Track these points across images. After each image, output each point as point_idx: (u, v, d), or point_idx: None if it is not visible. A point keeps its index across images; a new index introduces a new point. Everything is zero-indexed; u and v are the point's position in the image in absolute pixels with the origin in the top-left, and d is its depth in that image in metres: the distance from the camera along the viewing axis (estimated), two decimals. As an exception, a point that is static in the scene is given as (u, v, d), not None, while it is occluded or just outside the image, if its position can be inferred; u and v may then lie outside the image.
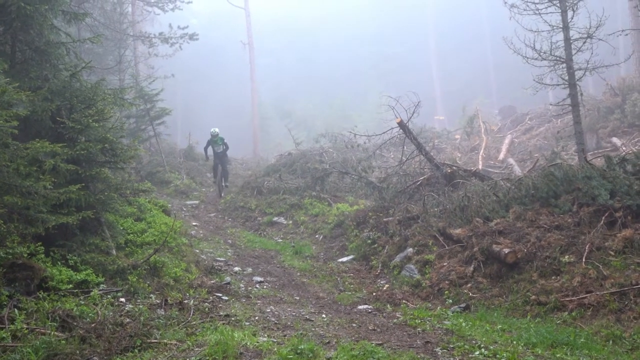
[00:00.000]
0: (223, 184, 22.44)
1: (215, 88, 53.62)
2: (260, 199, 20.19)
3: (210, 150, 22.57)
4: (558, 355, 7.12)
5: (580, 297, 9.21)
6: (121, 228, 10.74)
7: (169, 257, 10.62)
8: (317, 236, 16.63)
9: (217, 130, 22.41)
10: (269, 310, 9.18)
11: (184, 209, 19.65)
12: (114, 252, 9.80)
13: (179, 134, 43.54)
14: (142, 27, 32.64)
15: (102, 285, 8.69)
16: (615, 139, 23.98)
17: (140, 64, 31.21)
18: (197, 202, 21.46)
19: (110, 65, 25.48)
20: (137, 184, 13.34)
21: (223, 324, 7.93)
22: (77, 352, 6.38)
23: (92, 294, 8.15)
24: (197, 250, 13.23)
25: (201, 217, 19.19)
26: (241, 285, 11.07)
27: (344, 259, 14.09)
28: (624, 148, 21.46)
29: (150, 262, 9.71)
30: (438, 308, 10.00)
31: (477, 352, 7.04)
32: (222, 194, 22.34)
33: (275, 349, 6.81)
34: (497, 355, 6.91)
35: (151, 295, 8.92)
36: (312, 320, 8.70)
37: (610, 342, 7.90)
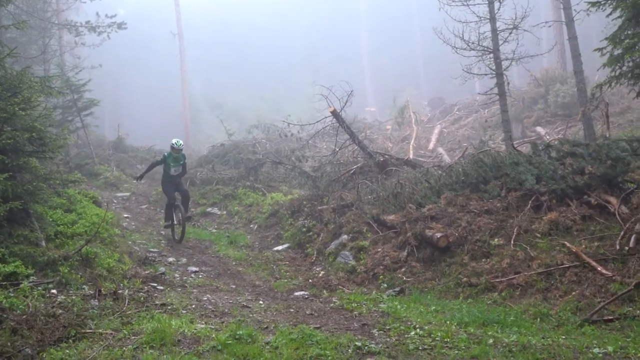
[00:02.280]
0: (184, 215, 13.98)
1: (145, 79, 52.56)
2: (193, 190, 19.96)
3: (158, 169, 15.33)
4: (489, 333, 7.34)
5: (509, 278, 9.53)
6: (50, 219, 10.43)
7: (102, 248, 10.39)
8: (251, 226, 16.61)
9: (181, 142, 14.37)
10: (205, 298, 9.12)
11: (115, 201, 19.24)
12: (43, 243, 9.51)
13: (107, 125, 42.54)
14: (67, 15, 31.61)
15: (32, 277, 8.42)
16: (539, 128, 24.82)
17: (66, 54, 30.26)
18: (128, 194, 21.04)
19: (35, 55, 24.61)
20: (66, 175, 12.99)
21: (159, 312, 7.84)
22: (8, 343, 6.20)
23: (21, 286, 7.89)
24: (130, 242, 13.00)
25: (132, 209, 18.84)
26: (176, 275, 10.95)
27: (280, 248, 14.13)
28: (547, 137, 22.22)
29: (82, 253, 9.48)
30: (373, 292, 10.17)
31: (413, 333, 7.20)
32: (181, 234, 14.08)
33: (214, 335, 6.79)
34: (432, 335, 7.08)
35: (84, 286, 8.72)
36: (250, 307, 8.70)
37: (538, 319, 8.22)
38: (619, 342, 6.84)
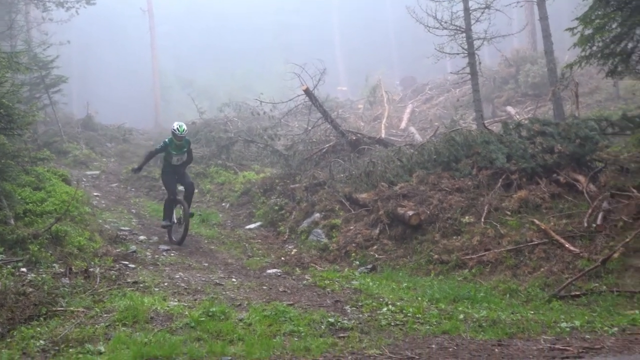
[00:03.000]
0: (187, 211, 11.97)
1: (114, 56, 51.63)
2: (163, 169, 19.79)
3: (159, 159, 14.54)
4: (460, 308, 7.46)
5: (480, 255, 9.68)
6: (19, 197, 10.27)
7: (72, 226, 10.28)
8: (223, 204, 16.56)
9: (184, 126, 12.21)
10: (178, 276, 9.10)
11: (85, 180, 18.99)
12: (12, 221, 9.39)
13: (75, 103, 41.78)
14: (34, -10, 30.88)
15: (1, 255, 8.33)
16: (509, 108, 25.03)
17: (33, 30, 29.54)
18: (97, 172, 20.78)
19: (1, 30, 24.04)
20: (34, 153, 12.80)
21: (132, 290, 7.81)
22: (-22, 322, 6.14)
23: (-10, 264, 7.81)
24: (101, 220, 12.87)
25: (103, 187, 18.63)
26: (148, 253, 10.89)
27: (252, 226, 14.12)
28: (517, 116, 22.42)
29: (52, 232, 9.37)
30: (346, 270, 10.24)
31: (385, 309, 7.28)
32: (182, 235, 11.99)
33: (187, 313, 6.79)
34: (404, 311, 7.17)
35: (54, 264, 8.63)
36: (222, 285, 8.71)
37: (508, 295, 8.38)
38: (586, 317, 7.01)
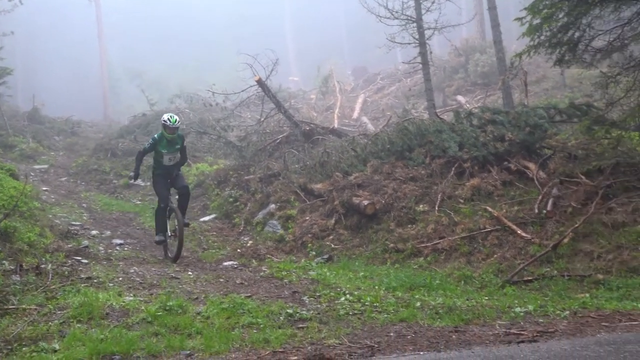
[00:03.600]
0: (182, 221, 10.25)
1: (61, 47, 50.38)
2: (115, 162, 19.49)
3: (150, 158, 11.51)
4: (417, 296, 7.55)
5: (434, 242, 9.80)
6: (-36, 193, 9.98)
7: (21, 222, 10.01)
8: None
9: (176, 117, 10.55)
10: (132, 270, 8.96)
11: (33, 174, 18.53)
12: (-42, 219, 9.10)
13: (20, 95, 40.68)
14: (-26, -21, 29.91)
15: (-53, 253, 8.07)
16: (460, 97, 25.35)
17: (-26, 20, 28.69)
18: (46, 166, 20.32)
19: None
20: (-21, 147, 12.43)
21: (85, 286, 7.65)
22: None
23: (-64, 263, 7.56)
24: (51, 215, 12.59)
25: (51, 181, 18.22)
26: (100, 248, 10.71)
27: (206, 218, 14.01)
28: (467, 105, 22.73)
29: (1, 228, 9.12)
30: (302, 260, 10.26)
31: (343, 298, 7.31)
32: (177, 249, 10.16)
33: (143, 307, 6.69)
34: (362, 300, 7.20)
35: (4, 261, 8.39)
36: (179, 278, 8.61)
37: (462, 282, 8.52)
38: (539, 301, 7.17)
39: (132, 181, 11.88)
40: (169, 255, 10.38)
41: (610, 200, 9.42)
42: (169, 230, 10.60)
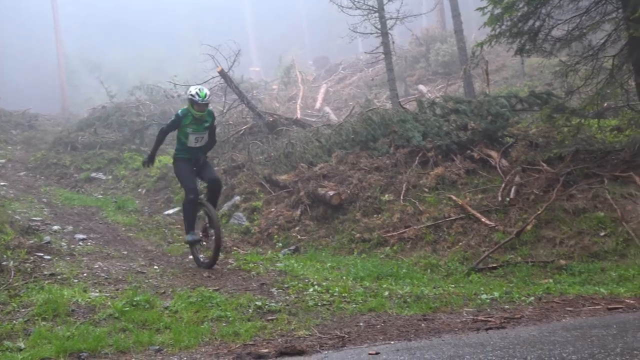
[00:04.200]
0: (216, 219, 8.91)
1: (16, 38, 49.22)
2: (75, 155, 19.12)
3: (172, 139, 10.68)
4: (384, 286, 7.60)
5: (400, 232, 9.87)
6: None
7: (-21, 219, 9.80)
8: (140, 190, 16.17)
9: (206, 91, 8.85)
10: (97, 266, 8.81)
11: (-12, 169, 18.14)
12: None
13: (-29, 89, 39.68)
14: None
15: None
16: (421, 86, 25.53)
17: None
18: (3, 161, 19.83)
19: None
20: None
21: (49, 283, 7.51)
22: None
23: None
24: (10, 211, 12.29)
25: (9, 176, 17.80)
26: (63, 243, 10.49)
27: (171, 212, 13.87)
28: (429, 94, 22.90)
29: (-41, 225, 8.91)
30: (269, 252, 10.22)
31: (311, 289, 7.31)
32: (213, 252, 8.79)
33: (109, 303, 6.60)
34: (330, 291, 7.22)
35: (-37, 260, 8.21)
36: (144, 273, 8.50)
37: (429, 270, 8.61)
38: (504, 288, 7.29)
39: (147, 166, 9.82)
40: (201, 259, 8.96)
41: (571, 187, 9.61)
42: (200, 229, 9.19)
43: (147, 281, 7.92)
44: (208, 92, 8.81)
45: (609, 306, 5.87)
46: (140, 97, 25.96)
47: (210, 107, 9.15)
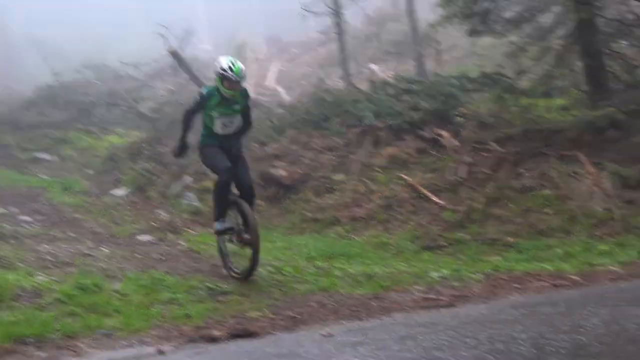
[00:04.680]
0: (253, 221, 7.05)
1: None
2: (19, 135, 18.55)
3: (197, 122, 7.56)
4: (336, 265, 7.63)
5: (352, 211, 9.91)
6: None
7: None
8: (87, 170, 15.83)
9: (240, 65, 6.95)
10: (42, 249, 8.57)
11: None
12: None
13: None
14: None
15: None
16: (373, 66, 25.51)
17: None
18: None
19: None
20: None
21: (-7, 267, 7.31)
22: None
23: None
24: (-53, 194, 11.92)
25: (-54, 158, 17.20)
26: (6, 225, 10.20)
27: (119, 192, 13.58)
28: (381, 74, 22.92)
29: None
30: (222, 233, 10.14)
31: (263, 270, 7.28)
32: (252, 260, 6.82)
33: (56, 287, 6.43)
34: (282, 271, 7.22)
35: None
36: (93, 255, 8.31)
37: (380, 249, 8.67)
38: (453, 265, 7.39)
39: (180, 156, 7.76)
40: (234, 269, 7.11)
41: (519, 166, 9.77)
42: (233, 225, 7.25)
43: (95, 264, 7.73)
44: (243, 67, 6.97)
45: (555, 282, 5.99)
46: (88, 76, 25.35)
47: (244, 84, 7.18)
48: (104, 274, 7.15)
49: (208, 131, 7.24)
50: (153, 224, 11.10)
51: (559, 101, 12.29)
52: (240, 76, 6.85)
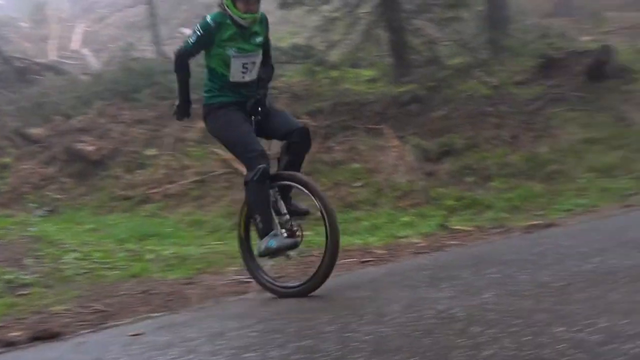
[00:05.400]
0: (324, 199, 4.97)
1: None
2: None
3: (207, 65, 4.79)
4: (148, 247, 7.44)
5: (165, 188, 9.70)
6: None
7: None
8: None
9: None
10: None
11: None
12: None
13: None
14: None
15: None
16: (185, 29, 24.87)
17: None
18: None
19: None
20: None
21: None
22: None
23: None
24: None
25: None
26: None
27: None
28: (194, 39, 22.41)
29: None
30: (22, 215, 9.47)
31: (69, 256, 6.91)
32: (324, 266, 4.81)
33: None
34: (90, 257, 6.91)
35: None
36: None
37: (194, 227, 8.57)
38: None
39: (182, 117, 5.20)
40: (279, 284, 5.05)
41: (330, 140, 10.06)
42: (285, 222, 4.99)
43: None
44: None
45: (362, 259, 6.22)
46: None
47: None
48: None
49: (219, 82, 4.73)
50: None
51: (367, 72, 12.74)
52: (253, 11, 4.63)
